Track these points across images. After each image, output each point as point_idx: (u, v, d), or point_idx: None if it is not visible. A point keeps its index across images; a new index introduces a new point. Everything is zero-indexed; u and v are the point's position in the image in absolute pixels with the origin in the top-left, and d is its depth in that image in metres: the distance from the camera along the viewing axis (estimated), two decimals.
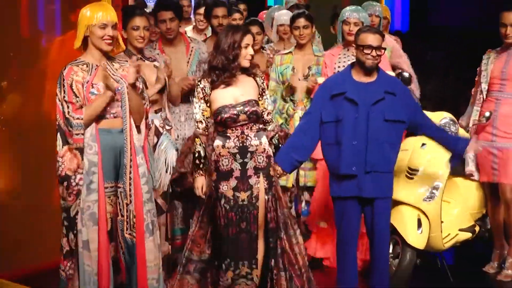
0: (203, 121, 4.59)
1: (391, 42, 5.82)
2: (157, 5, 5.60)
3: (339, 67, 5.54)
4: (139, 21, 4.87)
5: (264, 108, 4.69)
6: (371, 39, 4.60)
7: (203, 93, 4.56)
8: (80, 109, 4.05)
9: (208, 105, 4.58)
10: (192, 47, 5.59)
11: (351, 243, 4.77)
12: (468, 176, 5.60)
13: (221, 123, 4.50)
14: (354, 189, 4.69)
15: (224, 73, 4.52)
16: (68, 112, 4.05)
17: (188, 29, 7.01)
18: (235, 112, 4.51)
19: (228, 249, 4.56)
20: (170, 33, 5.41)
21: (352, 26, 5.46)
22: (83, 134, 4.08)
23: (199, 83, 4.56)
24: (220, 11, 5.92)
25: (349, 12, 5.58)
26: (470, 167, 5.53)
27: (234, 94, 4.55)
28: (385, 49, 4.66)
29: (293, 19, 5.86)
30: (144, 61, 4.91)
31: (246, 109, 4.53)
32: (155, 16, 5.34)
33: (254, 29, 6.09)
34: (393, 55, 5.80)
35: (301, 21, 5.83)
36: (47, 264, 5.27)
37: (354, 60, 5.01)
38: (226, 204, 4.55)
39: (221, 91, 4.55)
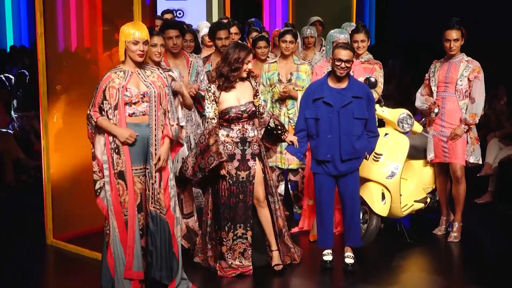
0: (215, 118, 4.74)
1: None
2: (164, 25, 5.37)
3: None
4: (156, 40, 4.65)
5: (259, 104, 4.89)
6: (342, 54, 4.55)
7: (213, 96, 4.75)
8: (98, 113, 4.11)
9: (217, 105, 4.68)
10: (191, 61, 5.42)
11: (328, 209, 4.87)
12: (428, 161, 5.66)
13: (228, 119, 4.76)
14: (332, 169, 4.81)
15: (226, 80, 4.68)
16: (90, 109, 4.05)
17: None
18: (239, 111, 4.74)
19: (229, 215, 4.79)
20: (175, 48, 5.29)
21: None
22: (93, 132, 4.14)
23: (209, 89, 4.75)
24: (223, 33, 5.74)
25: (338, 35, 5.61)
26: (431, 156, 5.61)
27: (237, 96, 4.80)
28: (352, 61, 4.75)
29: (281, 35, 5.66)
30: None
31: (247, 109, 4.75)
32: (162, 33, 4.93)
33: (262, 43, 6.07)
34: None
35: (288, 37, 5.66)
36: (94, 228, 5.31)
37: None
38: (230, 179, 4.77)
39: (227, 94, 4.78)
